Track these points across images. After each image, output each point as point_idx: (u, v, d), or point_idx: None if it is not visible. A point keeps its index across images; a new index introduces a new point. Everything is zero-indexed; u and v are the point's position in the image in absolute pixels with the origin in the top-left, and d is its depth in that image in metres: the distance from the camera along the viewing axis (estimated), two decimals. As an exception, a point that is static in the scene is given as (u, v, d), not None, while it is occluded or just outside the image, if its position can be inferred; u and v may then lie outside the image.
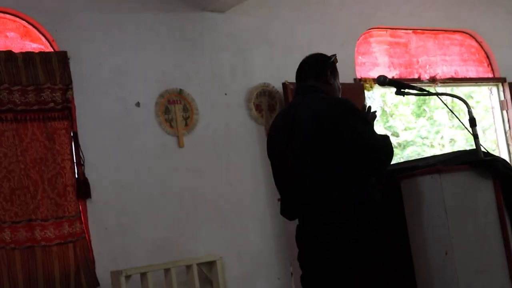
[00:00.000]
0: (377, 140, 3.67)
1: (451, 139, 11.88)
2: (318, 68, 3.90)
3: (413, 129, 12.08)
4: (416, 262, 3.90)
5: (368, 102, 7.14)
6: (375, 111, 3.93)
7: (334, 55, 3.95)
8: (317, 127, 3.66)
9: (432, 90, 5.35)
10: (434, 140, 11.99)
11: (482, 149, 4.01)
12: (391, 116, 12.03)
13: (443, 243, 3.75)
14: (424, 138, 12.04)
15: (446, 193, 3.76)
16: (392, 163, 4.04)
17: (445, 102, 4.29)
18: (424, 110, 12.15)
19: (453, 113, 4.24)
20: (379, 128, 10.13)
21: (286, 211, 3.90)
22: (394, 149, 3.99)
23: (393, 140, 11.38)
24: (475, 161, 3.91)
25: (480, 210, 3.88)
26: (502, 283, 3.86)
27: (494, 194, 3.93)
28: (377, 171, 3.70)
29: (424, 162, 4.13)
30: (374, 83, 7.12)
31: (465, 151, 4.16)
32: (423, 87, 4.22)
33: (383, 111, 11.63)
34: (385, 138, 3.76)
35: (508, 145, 8.19)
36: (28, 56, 5.71)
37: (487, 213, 3.90)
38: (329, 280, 3.65)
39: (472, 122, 4.01)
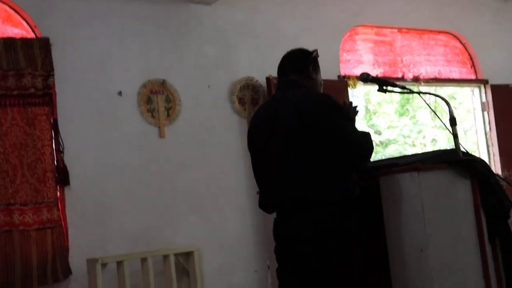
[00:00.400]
0: (358, 137, 3.68)
1: (433, 139, 11.95)
2: (300, 63, 3.91)
3: (396, 127, 12.13)
4: (392, 259, 3.92)
5: (351, 99, 7.14)
6: (357, 107, 3.94)
7: (316, 50, 3.96)
8: (299, 122, 3.66)
9: (415, 89, 5.38)
10: (416, 140, 12.05)
11: (462, 149, 4.03)
12: (374, 114, 12.07)
13: (419, 240, 3.77)
14: (406, 137, 12.10)
15: (424, 191, 3.78)
16: (373, 160, 4.06)
17: (427, 101, 4.31)
18: (407, 109, 12.20)
19: (433, 111, 4.26)
20: (361, 125, 10.15)
21: (266, 204, 3.90)
22: (376, 147, 4.01)
23: (376, 138, 11.46)
24: (454, 160, 3.94)
25: (457, 209, 3.91)
26: (475, 282, 3.90)
27: (471, 194, 3.96)
28: (357, 167, 3.72)
29: (404, 160, 4.17)
30: (358, 81, 7.11)
31: (444, 151, 4.19)
32: (406, 86, 4.25)
33: (367, 109, 11.67)
34: (366, 134, 3.77)
35: (488, 146, 8.23)
36: (9, 41, 5.67)
37: (464, 212, 3.93)
38: (311, 275, 3.65)
39: (452, 121, 4.03)
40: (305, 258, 3.66)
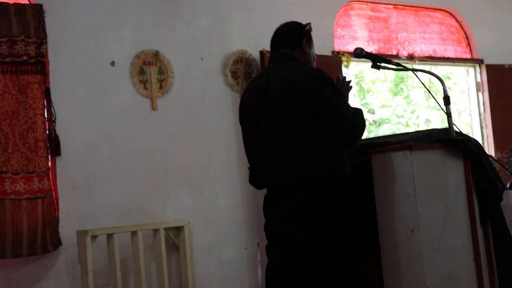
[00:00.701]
0: (349, 113, 3.64)
1: (426, 119, 11.93)
2: (293, 36, 3.87)
3: (389, 107, 12.10)
4: (382, 238, 3.91)
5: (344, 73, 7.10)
6: (350, 82, 3.90)
7: (309, 23, 3.92)
8: (289, 96, 3.63)
9: (409, 67, 5.33)
10: (410, 120, 12.03)
11: (455, 128, 4.01)
12: (368, 92, 12.03)
13: (410, 220, 3.76)
14: (400, 116, 12.07)
15: (416, 170, 3.76)
16: (365, 138, 4.03)
17: (421, 80, 4.27)
18: (401, 88, 12.17)
19: (427, 89, 4.22)
20: (355, 103, 10.12)
21: (255, 180, 3.88)
22: (369, 127, 3.99)
23: (369, 117, 11.43)
24: (447, 139, 3.92)
25: (449, 189, 3.89)
26: (466, 263, 3.89)
27: (463, 174, 3.94)
28: (348, 144, 3.69)
29: (397, 138, 4.13)
30: (352, 57, 7.07)
31: (437, 130, 4.15)
32: (401, 63, 4.21)
33: (360, 87, 11.62)
34: (358, 111, 3.73)
35: (481, 127, 8.21)
36: (2, 6, 5.59)
37: (456, 192, 3.91)
38: (298, 253, 3.64)
39: (446, 100, 4.01)
40: (293, 235, 3.65)
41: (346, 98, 3.78)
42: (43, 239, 5.59)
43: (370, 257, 4.07)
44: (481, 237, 3.95)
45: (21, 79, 5.65)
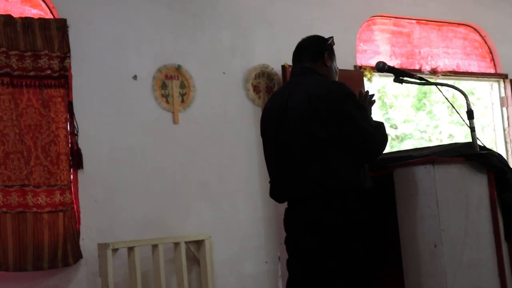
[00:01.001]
0: (371, 126, 3.62)
1: (449, 134, 11.85)
2: (315, 50, 3.86)
3: (412, 122, 12.03)
4: (404, 253, 3.87)
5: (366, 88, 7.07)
6: (373, 95, 3.88)
7: (331, 37, 3.90)
8: (311, 110, 3.61)
9: (432, 81, 5.28)
10: (433, 135, 11.95)
11: (479, 142, 3.97)
12: (391, 107, 11.98)
13: (433, 235, 3.71)
14: (423, 132, 12.00)
15: (439, 184, 3.72)
16: (387, 152, 4.00)
17: (444, 94, 4.24)
18: (424, 103, 12.10)
19: (450, 103, 4.19)
20: (377, 117, 10.07)
21: (276, 194, 3.86)
22: (392, 142, 3.96)
23: (391, 133, 11.38)
24: (470, 154, 3.88)
25: (472, 204, 3.84)
26: (490, 279, 3.84)
27: (487, 189, 3.90)
28: (370, 158, 3.66)
29: (419, 152, 4.10)
30: (374, 71, 7.04)
31: (461, 144, 4.12)
32: (423, 78, 4.18)
33: (383, 102, 11.58)
34: (380, 124, 3.70)
35: (506, 142, 8.15)
36: (27, 21, 5.65)
37: (479, 207, 3.86)
38: (319, 267, 3.62)
39: (470, 114, 3.97)
40: (313, 249, 3.62)
41: (368, 111, 3.76)
42: (64, 252, 5.61)
43: (389, 268, 4.02)
44: (506, 252, 3.89)
45: (44, 93, 5.68)
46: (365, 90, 3.87)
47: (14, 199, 5.50)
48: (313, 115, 3.60)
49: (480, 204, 3.86)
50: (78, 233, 5.71)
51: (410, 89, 11.46)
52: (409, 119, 12.00)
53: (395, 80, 4.11)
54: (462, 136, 11.24)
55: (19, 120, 5.57)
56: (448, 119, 11.82)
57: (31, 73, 5.65)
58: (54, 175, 5.66)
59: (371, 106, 3.89)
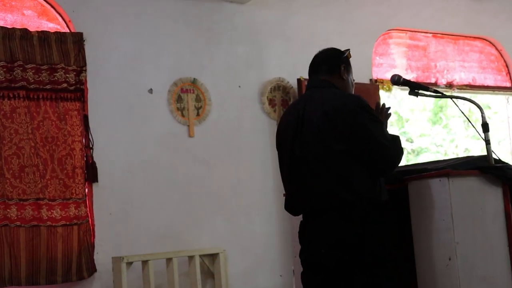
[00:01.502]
0: (387, 140, 3.60)
1: (465, 148, 11.79)
2: (331, 63, 3.85)
3: (428, 136, 11.99)
4: (419, 266, 3.85)
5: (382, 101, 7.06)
6: (389, 108, 3.86)
7: (348, 49, 3.90)
8: (327, 123, 3.60)
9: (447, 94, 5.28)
10: (449, 149, 11.90)
11: (494, 155, 3.95)
12: (407, 121, 11.95)
13: (447, 248, 3.70)
14: (439, 146, 11.95)
15: (454, 197, 3.70)
16: (402, 165, 3.98)
17: (460, 107, 4.22)
18: (440, 117, 12.06)
19: (466, 116, 4.18)
20: (394, 130, 10.04)
21: (291, 206, 3.85)
22: (408, 155, 3.95)
23: (407, 146, 11.34)
24: (485, 166, 3.86)
25: (487, 217, 3.82)
26: (505, 293, 3.81)
27: (502, 202, 3.87)
28: (385, 171, 3.65)
29: (434, 165, 4.08)
30: (392, 85, 7.03)
31: (476, 157, 4.09)
32: (439, 91, 4.17)
33: (399, 116, 11.55)
34: (396, 138, 3.69)
35: (521, 156, 8.12)
36: (43, 35, 5.69)
37: (494, 220, 3.84)
38: (334, 280, 3.60)
39: (485, 127, 3.95)
40: (328, 263, 3.61)
41: (383, 125, 3.74)
42: (79, 265, 5.62)
43: (408, 284, 4.00)
44: (521, 266, 3.87)
45: (60, 106, 5.71)
46: (382, 103, 3.86)
47: (28, 212, 5.51)
48: (329, 128, 3.59)
49: (495, 217, 3.84)
50: (92, 246, 5.72)
51: (426, 103, 11.43)
52: (425, 133, 11.96)
53: (410, 93, 4.10)
54: (478, 150, 11.17)
55: (35, 133, 5.60)
56: (464, 133, 11.77)
57: (48, 86, 5.69)
58: (70, 189, 5.68)
59: (387, 119, 3.87)
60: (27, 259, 5.45)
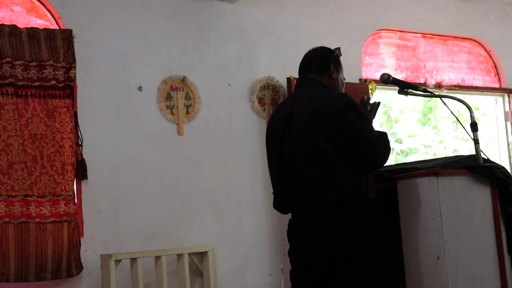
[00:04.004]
0: (374, 137, 3.62)
1: (454, 149, 11.83)
2: (321, 62, 3.86)
3: (417, 137, 12.02)
4: (407, 265, 3.87)
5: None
6: (375, 103, 3.86)
7: (338, 48, 3.90)
8: (314, 121, 3.61)
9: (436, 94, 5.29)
10: (438, 150, 11.93)
11: (482, 155, 3.96)
12: (396, 122, 11.97)
13: (436, 247, 3.71)
14: (428, 146, 11.98)
15: (442, 196, 3.72)
16: (391, 165, 3.99)
17: (449, 107, 4.23)
18: (429, 118, 12.09)
19: (455, 116, 4.19)
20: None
21: (280, 204, 3.86)
22: (397, 156, 3.96)
23: (396, 147, 11.37)
24: (474, 166, 3.87)
25: (475, 216, 3.84)
26: (493, 292, 3.82)
27: (491, 201, 3.89)
28: (374, 167, 3.66)
29: (423, 164, 4.10)
30: (379, 84, 7.04)
31: (464, 156, 4.12)
32: (428, 90, 4.18)
33: (388, 116, 11.57)
34: (383, 134, 3.70)
35: (510, 157, 8.15)
36: (32, 31, 5.67)
37: (483, 219, 3.86)
38: (322, 278, 3.61)
39: (474, 127, 3.97)
40: (316, 261, 3.62)
41: (371, 122, 3.75)
42: (68, 262, 5.60)
43: (396, 283, 4.01)
44: (509, 265, 3.88)
45: (49, 103, 5.69)
46: (367, 97, 3.85)
47: (17, 209, 5.49)
48: (317, 126, 3.60)
49: (483, 216, 3.86)
50: (79, 244, 5.70)
51: (415, 104, 11.47)
52: (414, 134, 11.99)
53: (399, 92, 4.11)
54: (467, 151, 11.19)
55: (23, 130, 5.58)
56: (453, 134, 11.81)
57: (36, 83, 5.66)
58: (60, 185, 5.66)
59: (375, 113, 3.86)
60: (16, 256, 5.43)
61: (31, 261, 5.46)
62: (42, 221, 5.55)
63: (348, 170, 3.57)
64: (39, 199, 5.57)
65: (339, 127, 3.57)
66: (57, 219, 5.61)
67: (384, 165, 3.74)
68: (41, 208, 5.57)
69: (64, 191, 5.67)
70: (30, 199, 5.53)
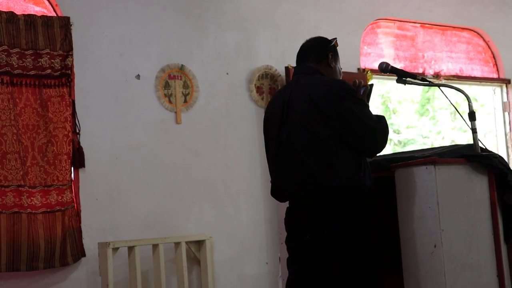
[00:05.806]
0: (373, 121, 3.63)
1: (452, 140, 11.83)
2: (319, 51, 3.88)
3: (415, 127, 12.02)
4: (404, 253, 3.88)
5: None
6: (367, 85, 3.85)
7: (335, 38, 3.92)
8: (311, 108, 3.63)
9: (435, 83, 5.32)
10: (435, 140, 11.94)
11: (480, 144, 3.97)
12: (394, 113, 11.98)
13: (433, 235, 3.73)
14: (425, 137, 11.99)
15: (440, 185, 3.73)
16: (389, 153, 3.99)
17: (447, 97, 4.24)
18: (428, 109, 12.09)
19: (452, 105, 4.18)
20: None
21: (277, 192, 3.87)
22: (395, 147, 3.96)
23: (394, 138, 11.38)
24: (471, 155, 3.88)
25: (472, 204, 3.85)
26: (489, 280, 3.85)
27: (488, 190, 3.91)
28: (374, 152, 3.67)
29: (421, 153, 4.11)
30: (376, 73, 7.05)
31: (462, 145, 4.13)
32: (426, 79, 4.18)
33: (386, 107, 11.58)
34: (381, 118, 3.72)
35: (507, 147, 8.15)
36: (30, 18, 5.63)
37: (480, 208, 3.87)
38: (319, 266, 3.62)
39: (472, 116, 3.98)
40: (313, 249, 3.63)
41: (367, 106, 3.75)
42: (62, 252, 5.57)
43: (393, 271, 4.02)
44: (505, 253, 3.91)
45: (43, 93, 5.65)
46: (359, 81, 3.85)
47: (10, 199, 5.46)
48: (315, 113, 3.61)
49: (480, 205, 3.87)
50: (79, 231, 5.70)
51: (413, 95, 11.47)
52: (412, 124, 12.00)
53: (398, 81, 4.12)
54: (464, 142, 11.20)
55: (17, 120, 5.54)
56: (451, 125, 11.82)
57: (31, 72, 5.61)
58: (51, 176, 5.63)
59: (369, 96, 3.85)
60: (8, 245, 5.39)
61: (22, 251, 5.42)
62: (33, 211, 5.51)
63: (346, 157, 3.57)
64: (30, 190, 5.54)
65: (338, 113, 3.57)
66: (48, 210, 5.57)
67: (383, 151, 3.75)
68: (32, 198, 5.53)
69: (56, 181, 5.63)
70: (23, 190, 5.50)
